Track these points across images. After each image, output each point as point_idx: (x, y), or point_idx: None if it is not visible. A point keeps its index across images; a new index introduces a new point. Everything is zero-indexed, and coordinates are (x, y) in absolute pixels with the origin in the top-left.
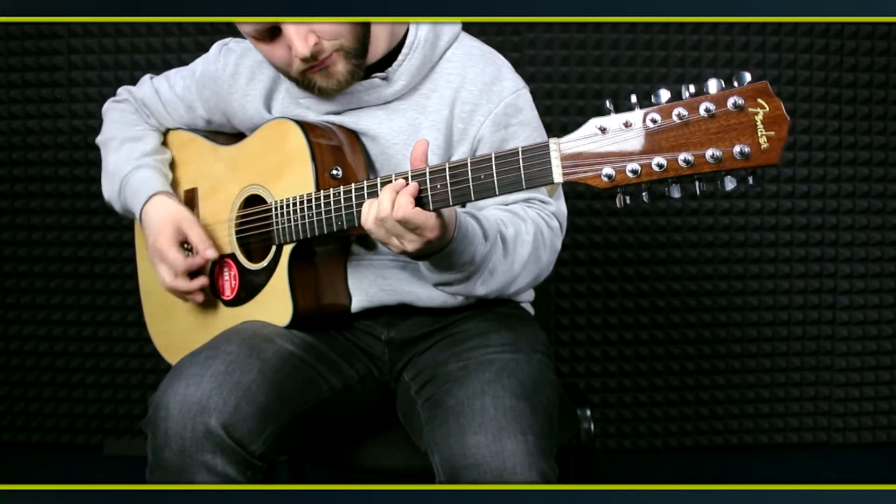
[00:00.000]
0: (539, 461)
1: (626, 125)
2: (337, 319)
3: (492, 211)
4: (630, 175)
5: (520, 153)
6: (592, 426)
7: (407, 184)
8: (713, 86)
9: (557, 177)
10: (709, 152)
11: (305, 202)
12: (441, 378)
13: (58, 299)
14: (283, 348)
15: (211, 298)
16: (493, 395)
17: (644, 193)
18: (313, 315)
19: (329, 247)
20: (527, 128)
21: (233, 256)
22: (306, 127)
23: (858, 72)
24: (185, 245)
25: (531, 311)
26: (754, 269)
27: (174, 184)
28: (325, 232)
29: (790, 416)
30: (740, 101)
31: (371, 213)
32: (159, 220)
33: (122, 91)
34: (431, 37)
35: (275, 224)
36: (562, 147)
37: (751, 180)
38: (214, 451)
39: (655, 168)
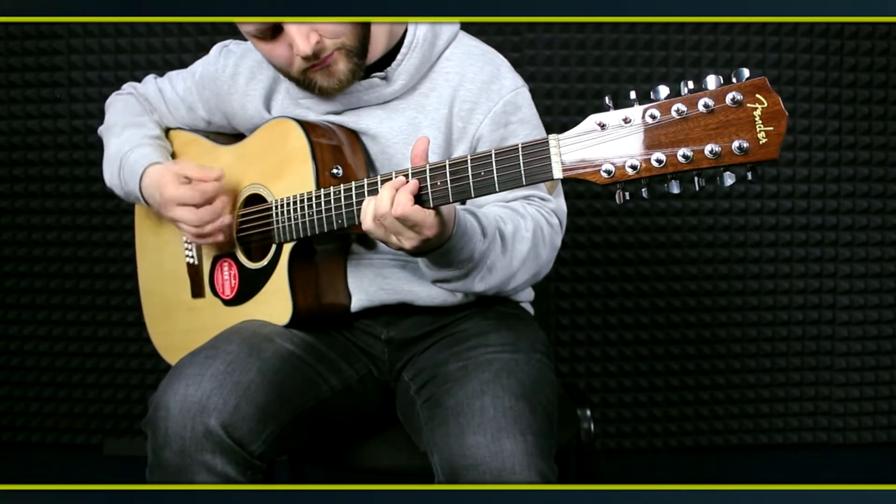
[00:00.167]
0: (538, 461)
1: (626, 121)
2: (337, 319)
3: (491, 208)
4: (629, 171)
5: (520, 149)
6: (592, 426)
7: (407, 181)
8: (712, 82)
9: (557, 173)
10: (708, 148)
11: (306, 201)
12: (440, 378)
13: (58, 299)
14: (283, 348)
15: (211, 297)
16: (492, 395)
17: (643, 189)
18: (313, 314)
19: (329, 246)
20: (526, 126)
21: (233, 255)
22: (307, 126)
23: (858, 72)
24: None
25: (531, 310)
26: (754, 269)
27: None
28: (326, 230)
29: (790, 416)
30: (739, 97)
31: (369, 210)
32: (157, 177)
33: (127, 86)
34: (430, 36)
35: (275, 223)
36: (561, 143)
37: (750, 176)
38: (214, 451)
39: (655, 164)
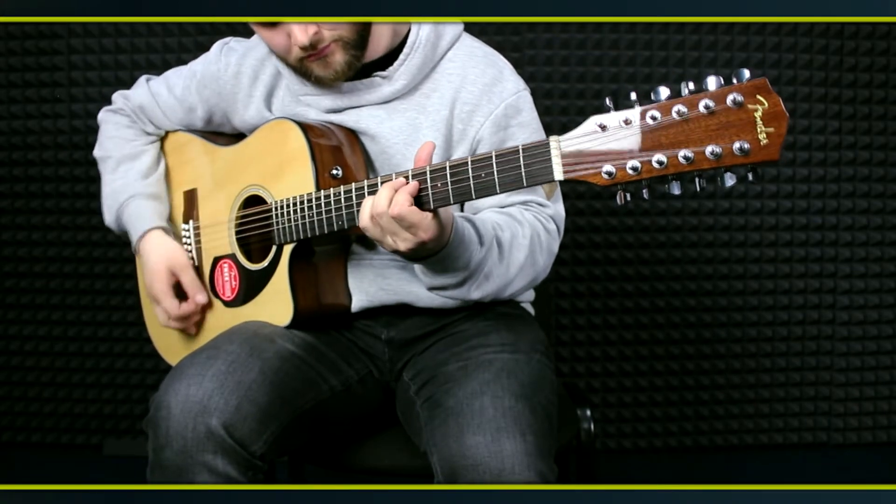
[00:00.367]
0: (538, 461)
1: (626, 122)
2: (337, 319)
3: (488, 214)
4: (630, 172)
5: (520, 151)
6: (592, 426)
7: (407, 182)
8: (712, 83)
9: (558, 174)
10: (708, 149)
11: (305, 202)
12: (440, 378)
13: (58, 299)
14: (284, 348)
15: (212, 300)
16: (492, 396)
17: (644, 191)
18: (314, 315)
19: (329, 246)
20: (526, 129)
21: (233, 257)
22: (306, 127)
23: (858, 72)
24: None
25: (531, 310)
26: (754, 269)
27: (173, 186)
28: (325, 232)
29: (790, 416)
30: (739, 98)
31: (366, 208)
32: (154, 262)
33: (117, 98)
34: (433, 37)
35: (275, 224)
36: (562, 145)
37: (750, 177)
38: (215, 452)
39: (656, 165)
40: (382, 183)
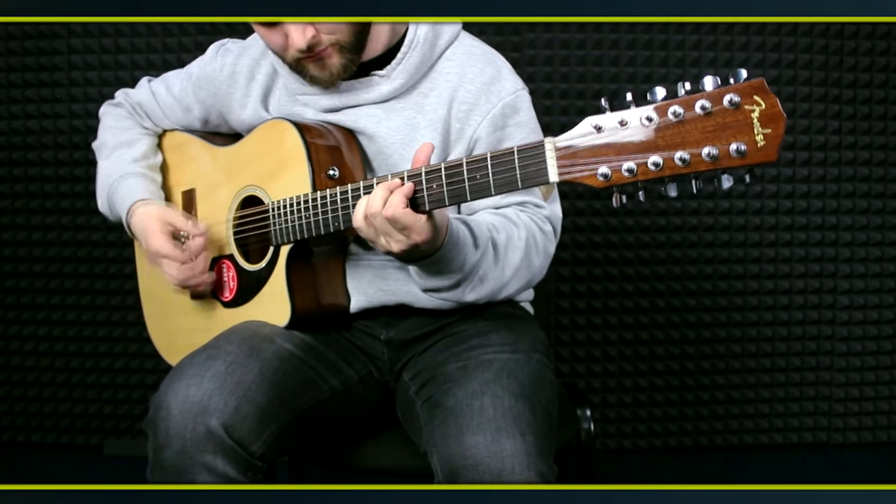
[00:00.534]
0: (538, 461)
1: (622, 124)
2: (336, 319)
3: (483, 216)
4: (626, 174)
5: (515, 153)
6: (592, 426)
7: (402, 184)
8: (709, 83)
9: (553, 176)
10: (705, 150)
11: (302, 203)
12: (440, 378)
13: (58, 299)
14: (283, 348)
15: (210, 299)
16: (492, 396)
17: (640, 192)
18: (312, 315)
19: (327, 247)
20: (523, 129)
21: (231, 257)
22: (302, 128)
23: (858, 72)
24: (177, 237)
25: (531, 310)
26: (754, 269)
27: (171, 186)
28: (323, 232)
29: (790, 416)
30: (736, 99)
31: (361, 208)
32: (144, 222)
33: (119, 94)
34: (431, 36)
35: (272, 225)
36: (557, 146)
37: (748, 178)
38: (215, 452)
39: (651, 167)
40: (378, 184)
